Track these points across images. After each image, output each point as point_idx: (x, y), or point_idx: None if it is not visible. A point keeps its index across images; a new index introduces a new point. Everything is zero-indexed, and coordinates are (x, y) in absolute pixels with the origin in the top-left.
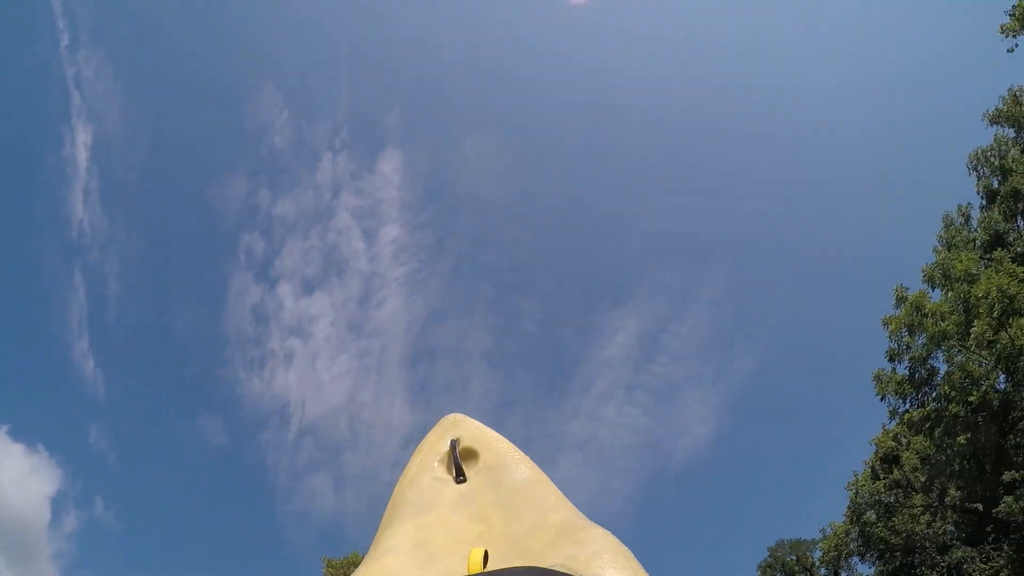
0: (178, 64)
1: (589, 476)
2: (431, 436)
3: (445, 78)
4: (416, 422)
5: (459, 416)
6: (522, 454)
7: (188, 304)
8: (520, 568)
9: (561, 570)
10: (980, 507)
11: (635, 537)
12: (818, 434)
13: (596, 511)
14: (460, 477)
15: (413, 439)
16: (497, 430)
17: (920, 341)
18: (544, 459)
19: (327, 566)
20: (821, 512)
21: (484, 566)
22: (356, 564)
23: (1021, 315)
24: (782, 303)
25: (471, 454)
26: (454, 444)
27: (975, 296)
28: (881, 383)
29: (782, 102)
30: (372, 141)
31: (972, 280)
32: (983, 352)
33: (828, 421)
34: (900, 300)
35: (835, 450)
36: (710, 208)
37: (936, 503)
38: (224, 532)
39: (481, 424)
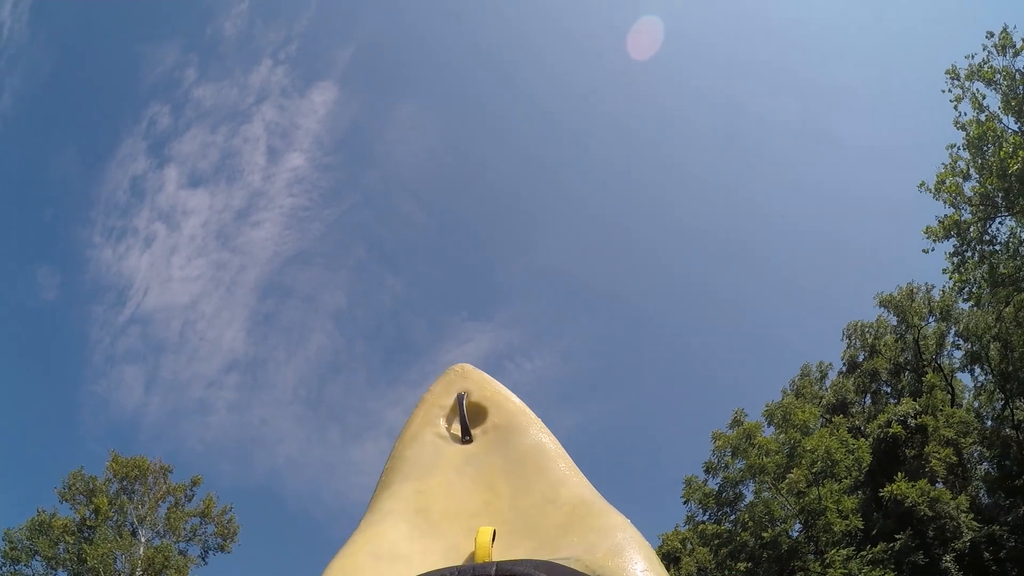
0: None
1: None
2: (435, 388)
3: (406, 37)
4: (247, 354)
5: (467, 367)
6: (533, 415)
7: (72, 147)
8: (535, 562)
9: (578, 567)
10: None
11: None
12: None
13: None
14: (467, 436)
15: (238, 366)
16: (317, 391)
17: (739, 465)
18: (351, 434)
19: (113, 461)
20: None
21: (492, 546)
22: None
23: (836, 480)
24: (628, 374)
25: (479, 411)
26: (461, 399)
27: (803, 447)
28: (690, 488)
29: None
30: (316, 67)
31: (806, 432)
32: (790, 498)
33: (626, 504)
34: (736, 422)
35: None
36: (602, 267)
37: None
38: (19, 388)
39: (490, 377)
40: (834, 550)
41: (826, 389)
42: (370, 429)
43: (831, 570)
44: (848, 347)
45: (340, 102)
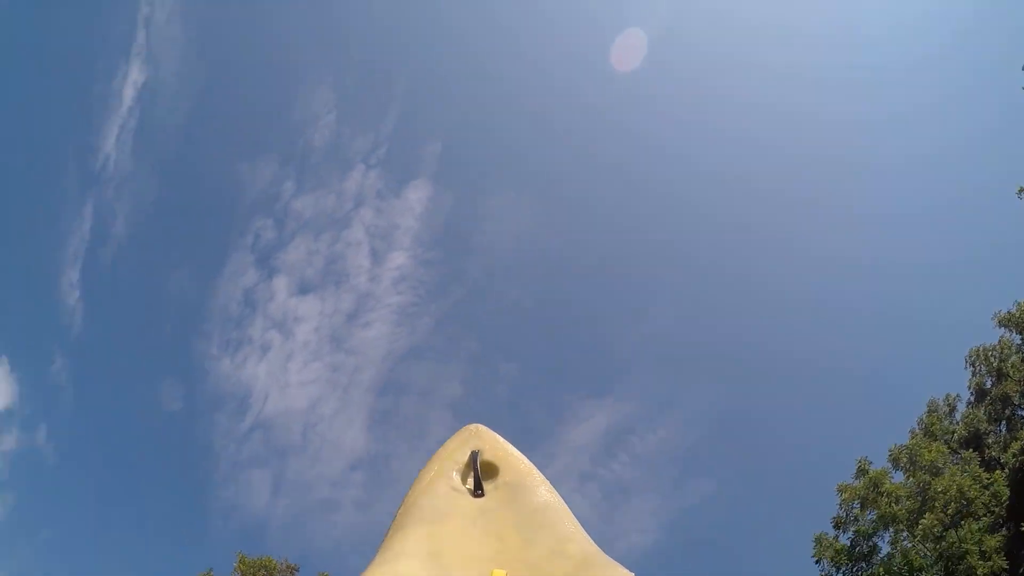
0: (247, 35)
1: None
2: (450, 444)
3: (489, 130)
4: (368, 450)
5: (480, 427)
6: (542, 476)
7: (185, 266)
8: None
9: None
10: None
11: None
12: None
13: None
14: (479, 491)
15: (361, 464)
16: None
17: (870, 517)
18: None
19: (240, 562)
20: None
21: None
22: (268, 568)
23: (975, 519)
24: (752, 435)
25: (491, 468)
26: (475, 456)
27: (934, 489)
28: (821, 546)
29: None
30: (407, 167)
31: (936, 472)
32: (928, 545)
33: (757, 570)
34: (861, 472)
35: None
36: (714, 327)
37: None
38: (151, 495)
39: (502, 439)
40: None
41: (957, 423)
42: None
43: None
44: (974, 375)
45: (434, 198)
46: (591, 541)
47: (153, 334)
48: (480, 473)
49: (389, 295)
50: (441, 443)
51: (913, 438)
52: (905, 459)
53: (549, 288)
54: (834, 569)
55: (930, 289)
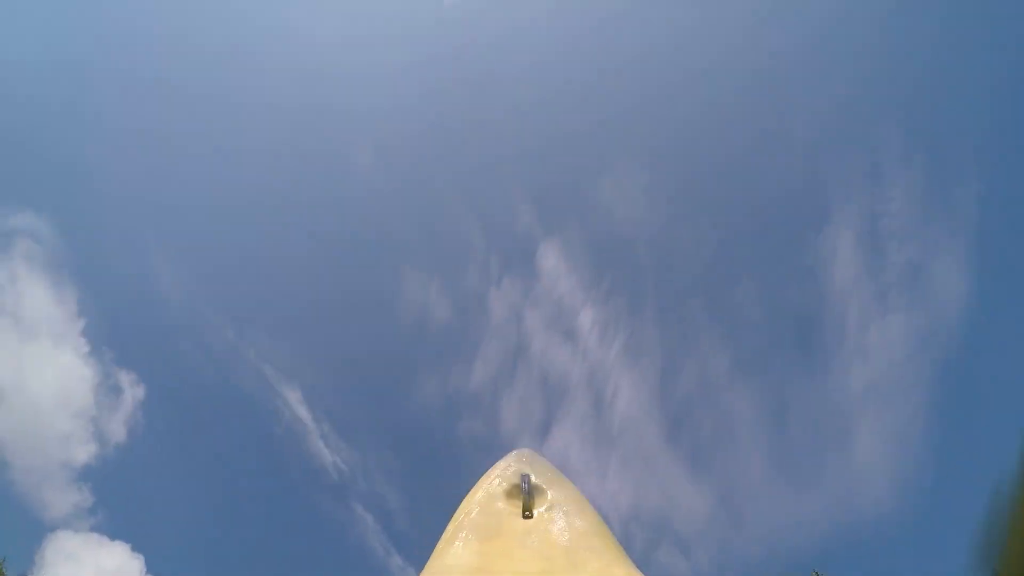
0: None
1: (894, 415)
2: (501, 464)
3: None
4: (712, 484)
5: (531, 452)
6: (587, 501)
7: (450, 486)
8: None
9: None
10: None
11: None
12: None
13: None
14: (527, 512)
15: (724, 499)
16: (781, 448)
17: None
18: (847, 427)
19: None
20: None
21: None
22: None
23: None
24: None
25: (540, 492)
26: (526, 479)
27: None
28: None
29: None
30: (520, 250)
31: None
32: None
33: None
34: None
35: None
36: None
37: None
38: None
39: (551, 464)
40: None
41: None
42: (853, 413)
43: None
44: None
45: (563, 244)
46: (632, 564)
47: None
48: (529, 496)
49: (605, 352)
50: (496, 460)
51: None
52: None
53: (692, 199)
54: None
55: None
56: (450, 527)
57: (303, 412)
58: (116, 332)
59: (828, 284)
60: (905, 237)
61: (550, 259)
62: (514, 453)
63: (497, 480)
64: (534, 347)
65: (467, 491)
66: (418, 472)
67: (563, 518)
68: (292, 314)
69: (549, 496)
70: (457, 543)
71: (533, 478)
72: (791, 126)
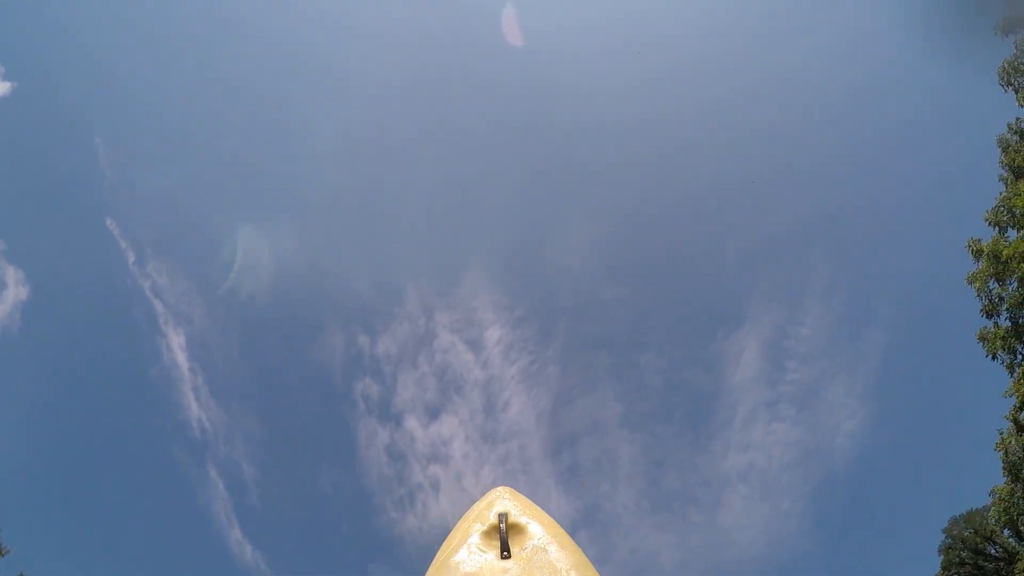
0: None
1: (759, 506)
2: (478, 506)
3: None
4: (576, 508)
5: (508, 489)
6: (568, 536)
7: (324, 465)
8: None
9: None
10: None
11: (817, 550)
12: (957, 402)
13: (776, 537)
14: (505, 552)
15: (579, 525)
16: (653, 491)
17: (1012, 286)
18: (712, 503)
19: None
20: (981, 482)
21: None
22: None
23: None
24: (883, 271)
25: (518, 530)
26: (503, 519)
27: None
28: (987, 342)
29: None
30: (448, 256)
31: None
32: None
33: (958, 388)
34: (976, 254)
35: (976, 414)
36: (801, 199)
37: None
38: None
39: (529, 500)
40: None
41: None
42: (724, 489)
43: None
44: (1016, 91)
45: (489, 263)
46: None
47: (334, 537)
48: (506, 535)
49: (507, 369)
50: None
51: (1007, 184)
52: (1004, 216)
53: (636, 266)
54: (1010, 355)
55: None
56: (428, 573)
57: (182, 359)
58: (7, 223)
59: (726, 378)
60: (806, 360)
61: (476, 273)
62: (490, 492)
63: (473, 521)
64: (440, 342)
65: (442, 536)
66: (283, 452)
67: (541, 555)
68: (197, 262)
69: (528, 533)
70: None
71: (511, 516)
72: (734, 241)
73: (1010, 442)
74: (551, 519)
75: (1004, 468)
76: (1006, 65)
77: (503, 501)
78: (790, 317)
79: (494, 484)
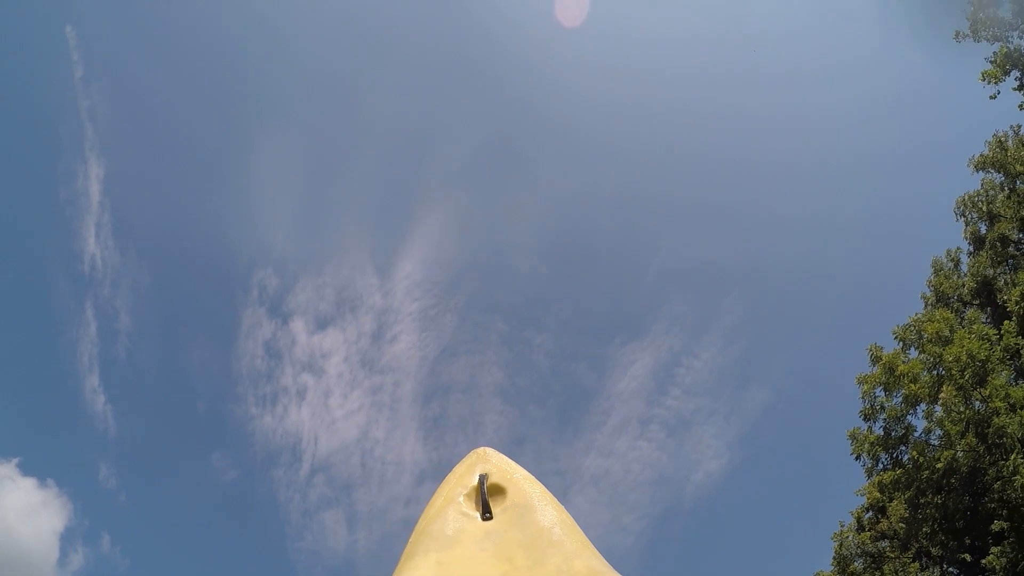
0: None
1: (602, 512)
2: (458, 469)
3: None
4: (430, 459)
5: (488, 450)
6: (550, 495)
7: (200, 339)
8: None
9: None
10: (968, 557)
11: (646, 574)
12: (815, 480)
13: (609, 546)
14: (487, 514)
15: (427, 475)
16: (511, 450)
17: (896, 400)
18: (557, 494)
19: None
20: (809, 563)
21: None
22: None
23: (991, 380)
24: (790, 338)
25: (499, 491)
26: (482, 480)
27: (945, 360)
28: (857, 442)
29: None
30: (403, 188)
31: (946, 342)
32: (950, 416)
33: (820, 469)
34: (875, 359)
35: (830, 494)
36: (723, 242)
37: (925, 553)
38: (235, 570)
39: (510, 460)
40: (1015, 453)
41: (964, 275)
42: (573, 485)
43: (1017, 476)
44: (967, 224)
45: None
46: (596, 554)
47: (188, 414)
48: (488, 496)
49: (407, 304)
50: (456, 463)
51: (927, 307)
52: (913, 335)
53: (559, 249)
54: (873, 462)
55: (890, 162)
56: (410, 541)
57: (95, 189)
58: None
59: (610, 383)
60: (690, 391)
61: (422, 209)
62: (471, 454)
63: (455, 485)
64: (351, 257)
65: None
66: (164, 313)
67: (523, 515)
68: (133, 101)
69: (508, 494)
70: (416, 557)
71: (491, 477)
72: (662, 258)
73: (848, 536)
74: (534, 479)
75: (834, 559)
76: (970, 19)
77: (482, 463)
78: (688, 347)
79: (356, 409)
